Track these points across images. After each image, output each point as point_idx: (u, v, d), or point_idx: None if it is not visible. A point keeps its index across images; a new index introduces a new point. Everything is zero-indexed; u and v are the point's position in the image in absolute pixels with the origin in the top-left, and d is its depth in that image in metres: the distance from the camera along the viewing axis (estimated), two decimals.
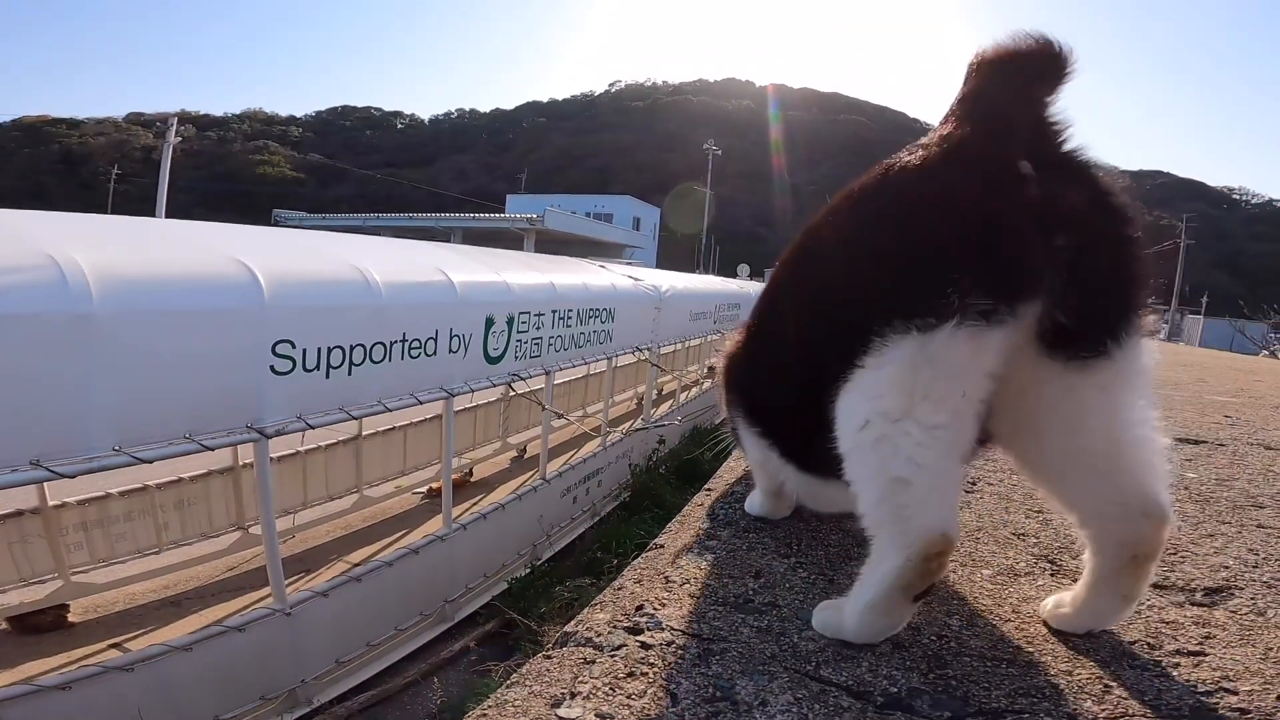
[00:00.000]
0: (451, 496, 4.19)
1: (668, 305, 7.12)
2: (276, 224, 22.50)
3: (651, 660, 0.83)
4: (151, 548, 4.47)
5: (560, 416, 5.54)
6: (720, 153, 48.35)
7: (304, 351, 3.02)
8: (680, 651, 0.85)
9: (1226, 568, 1.23)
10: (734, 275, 26.34)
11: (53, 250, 2.41)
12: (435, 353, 3.70)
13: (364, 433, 5.77)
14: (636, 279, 6.82)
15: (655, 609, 0.96)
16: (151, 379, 2.56)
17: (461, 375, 3.94)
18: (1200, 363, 8.34)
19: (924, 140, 0.83)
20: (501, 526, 4.60)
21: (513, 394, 6.29)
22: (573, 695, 0.75)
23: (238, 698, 2.82)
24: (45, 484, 3.85)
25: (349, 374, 3.23)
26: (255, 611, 2.93)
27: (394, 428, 6.05)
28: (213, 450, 2.76)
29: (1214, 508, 1.63)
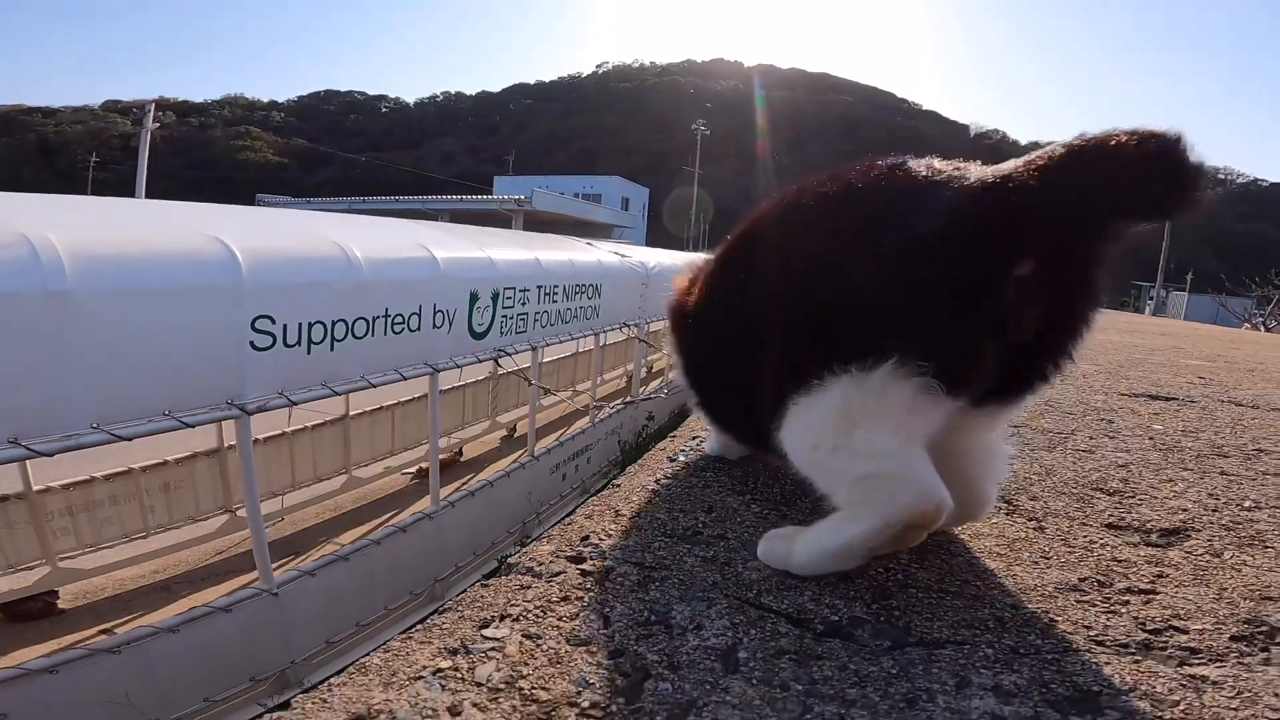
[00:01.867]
0: (439, 474, 4.18)
1: (655, 281, 7.10)
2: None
3: (589, 586, 0.83)
4: (139, 532, 4.45)
5: (548, 392, 5.53)
6: (709, 133, 48.04)
7: (284, 327, 2.99)
8: (620, 579, 0.85)
9: (1185, 510, 1.25)
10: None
11: (24, 228, 2.36)
12: (419, 328, 3.67)
13: (351, 412, 5.75)
14: (623, 255, 6.79)
15: (600, 540, 0.96)
16: (129, 356, 2.53)
17: (446, 350, 3.92)
18: (1179, 332, 8.43)
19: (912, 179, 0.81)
20: (490, 504, 4.61)
21: (501, 371, 6.28)
22: (502, 618, 0.75)
23: (227, 679, 2.82)
24: (29, 469, 3.83)
25: (331, 349, 3.20)
26: (242, 592, 2.92)
27: (381, 407, 6.03)
28: (193, 427, 2.73)
29: (1177, 456, 1.65)
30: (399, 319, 3.55)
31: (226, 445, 4.77)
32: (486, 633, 0.74)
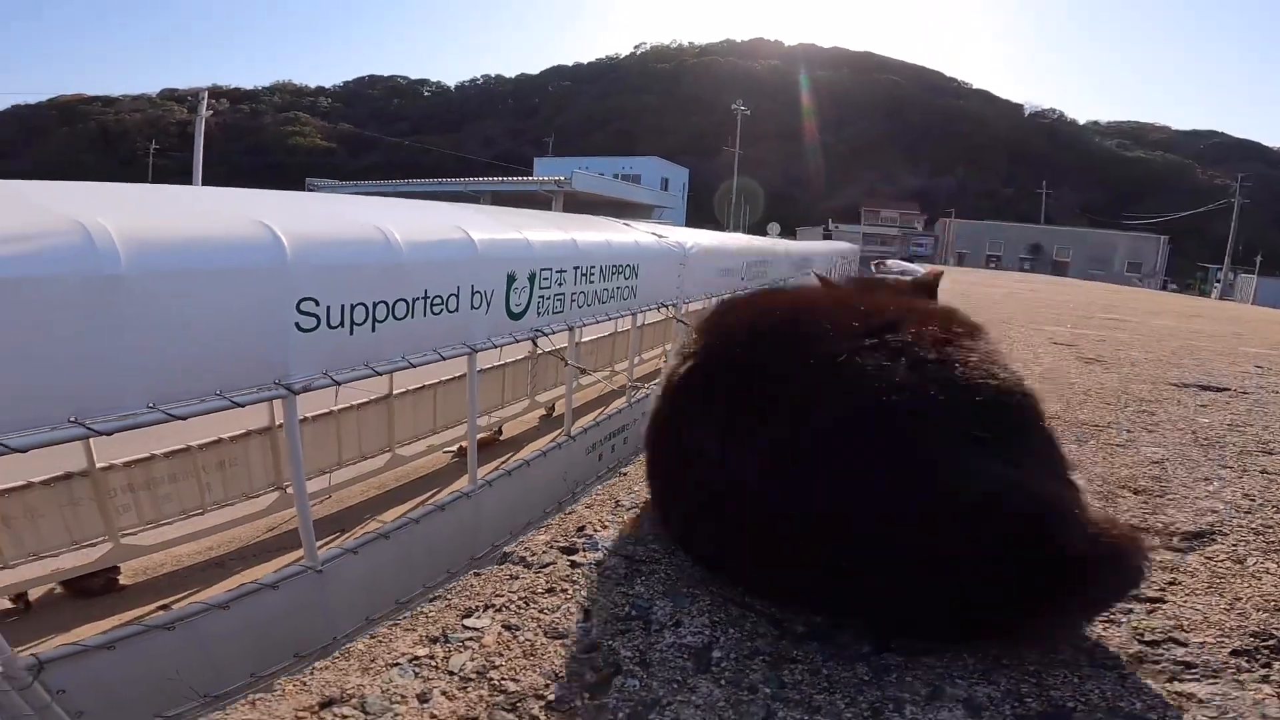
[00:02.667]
0: (477, 453, 4.24)
1: (693, 261, 7.02)
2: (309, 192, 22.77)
3: (575, 578, 0.83)
4: (195, 509, 4.64)
5: (584, 372, 5.55)
6: (749, 113, 47.25)
7: (328, 309, 3.04)
8: (608, 571, 0.84)
9: (1215, 512, 1.17)
10: (764, 234, 25.83)
11: (79, 215, 2.44)
12: (457, 309, 3.70)
13: (394, 391, 5.87)
14: (660, 236, 6.72)
15: (596, 530, 0.94)
16: (181, 338, 2.60)
17: (484, 331, 3.95)
18: (1244, 317, 7.95)
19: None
20: (526, 483, 4.66)
21: (539, 351, 6.31)
22: (486, 608, 0.75)
23: (273, 655, 2.92)
24: (92, 447, 4.02)
25: (372, 330, 3.26)
26: (289, 569, 3.01)
27: (424, 386, 6.14)
28: (243, 406, 2.81)
29: (1218, 452, 1.55)
30: (437, 300, 3.58)
31: (277, 424, 4.92)
32: (468, 622, 0.73)
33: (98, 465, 4.05)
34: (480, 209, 5.55)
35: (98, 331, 2.39)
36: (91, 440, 3.40)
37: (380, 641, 0.73)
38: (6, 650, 1.95)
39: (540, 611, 0.78)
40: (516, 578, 0.87)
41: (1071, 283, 23.86)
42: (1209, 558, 0.97)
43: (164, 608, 3.49)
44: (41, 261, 2.27)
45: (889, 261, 20.41)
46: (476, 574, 0.87)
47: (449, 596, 0.82)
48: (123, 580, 4.02)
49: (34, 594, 3.74)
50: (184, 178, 25.94)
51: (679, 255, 6.74)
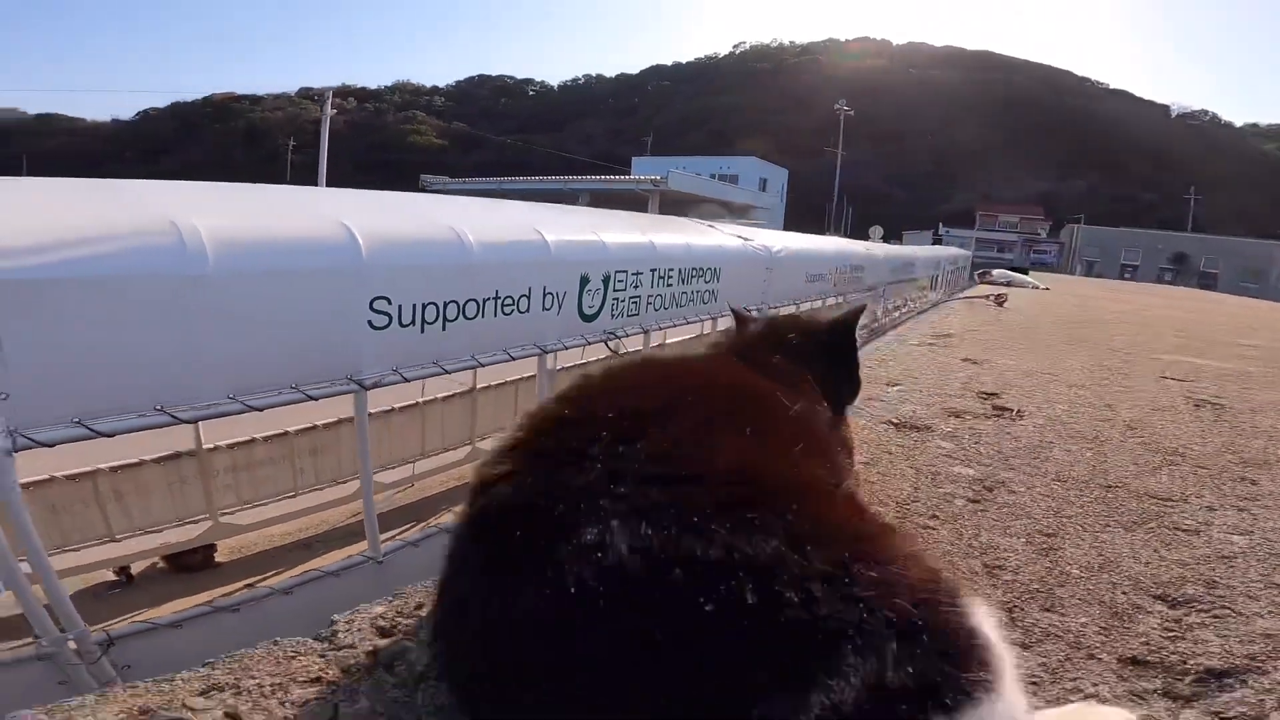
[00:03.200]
0: None
1: (780, 266, 6.75)
2: (422, 189, 24.04)
3: (355, 670, 0.83)
4: (288, 491, 4.93)
5: None
6: (852, 113, 45.71)
7: (399, 307, 3.10)
8: (403, 669, 0.82)
9: (1267, 638, 0.95)
10: (865, 237, 24.86)
11: (174, 216, 2.58)
12: (528, 310, 3.70)
13: (478, 386, 6.01)
14: (745, 239, 6.50)
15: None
16: (260, 334, 2.72)
17: (555, 332, 3.94)
18: None
19: None
20: None
21: (619, 354, 6.27)
22: (224, 689, 0.74)
23: None
24: (200, 429, 4.34)
25: (443, 329, 3.30)
26: (353, 558, 3.10)
27: (505, 382, 6.26)
28: (316, 400, 2.91)
29: None
30: (508, 300, 3.59)
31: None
32: (194, 701, 0.67)
33: (205, 446, 4.38)
34: (560, 209, 5.57)
35: (185, 326, 2.53)
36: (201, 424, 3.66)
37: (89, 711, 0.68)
38: (80, 624, 2.09)
39: (283, 704, 0.70)
40: (294, 658, 0.81)
41: (1216, 298, 21.31)
42: (1216, 713, 0.74)
43: (249, 587, 3.71)
44: (138, 260, 2.42)
45: (994, 272, 19.01)
46: (266, 650, 0.82)
47: (217, 667, 0.77)
48: (219, 558, 4.33)
49: (136, 568, 4.09)
50: (315, 173, 28.07)
51: (764, 259, 6.51)
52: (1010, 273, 18.78)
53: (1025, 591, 1.13)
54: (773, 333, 1.24)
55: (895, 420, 2.27)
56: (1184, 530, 1.39)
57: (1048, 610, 1.08)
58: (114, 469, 3.94)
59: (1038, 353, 4.20)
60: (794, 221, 37.23)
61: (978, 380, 3.12)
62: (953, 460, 1.89)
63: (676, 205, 25.59)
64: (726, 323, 6.97)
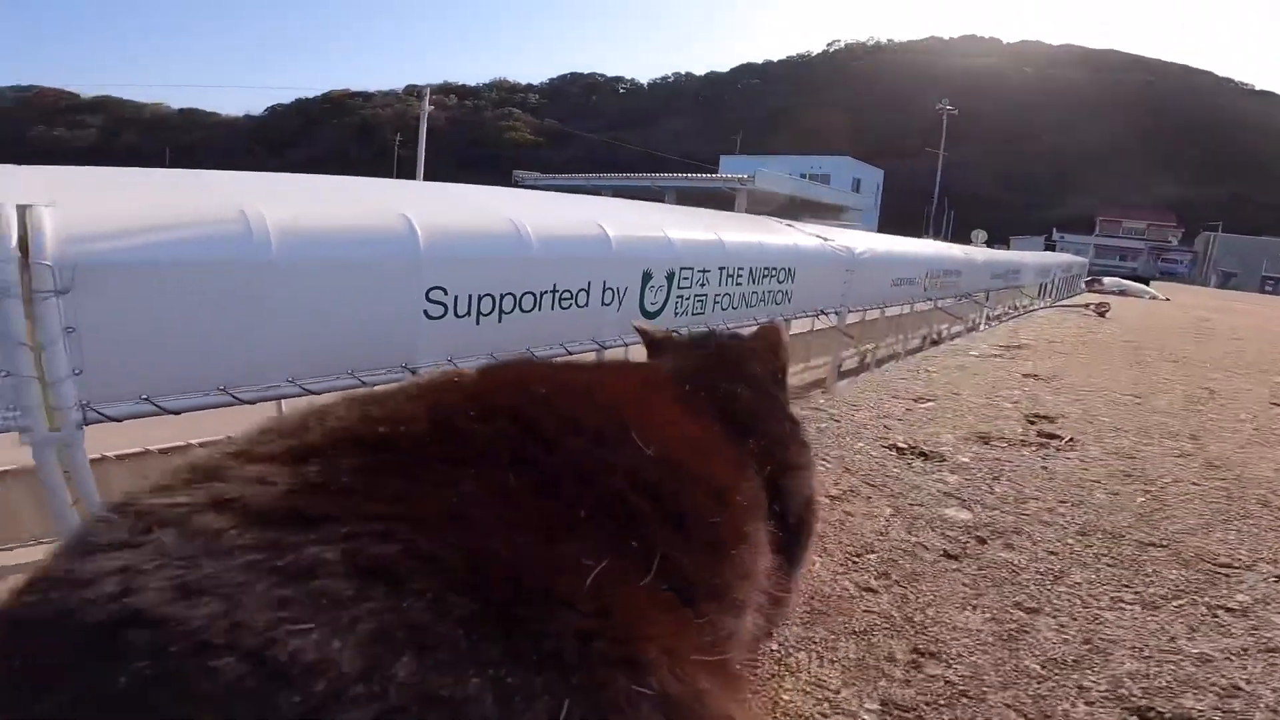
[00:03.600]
0: None
1: (862, 268, 6.40)
2: (515, 185, 24.75)
3: None
4: None
5: None
6: (956, 112, 43.41)
7: (455, 299, 3.11)
8: None
9: None
10: (967, 241, 23.52)
11: (245, 205, 2.68)
12: (587, 304, 3.64)
13: None
14: (825, 238, 6.20)
15: None
16: (318, 320, 2.79)
17: (615, 328, 3.86)
18: None
19: None
20: None
21: None
22: None
23: None
24: (283, 406, 4.56)
25: (499, 321, 3.29)
26: None
27: None
28: (371, 387, 2.95)
29: None
30: (566, 295, 3.55)
31: None
32: None
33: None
34: (626, 203, 5.47)
35: (248, 312, 2.62)
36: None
37: None
38: None
39: None
40: None
41: None
42: None
43: None
44: (207, 247, 2.52)
45: (1106, 279, 17.43)
46: None
47: None
48: None
49: None
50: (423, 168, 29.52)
51: (845, 260, 6.18)
52: (1125, 281, 17.20)
53: (940, 696, 0.91)
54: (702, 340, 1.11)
55: (902, 444, 2.02)
56: (1226, 611, 1.12)
57: None
58: (163, 450, 4.17)
59: (1123, 370, 3.72)
60: (890, 224, 35.78)
61: (1035, 400, 2.78)
62: (949, 500, 1.63)
63: (764, 204, 25.13)
64: (802, 325, 6.69)
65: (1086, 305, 8.58)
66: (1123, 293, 13.85)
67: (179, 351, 2.47)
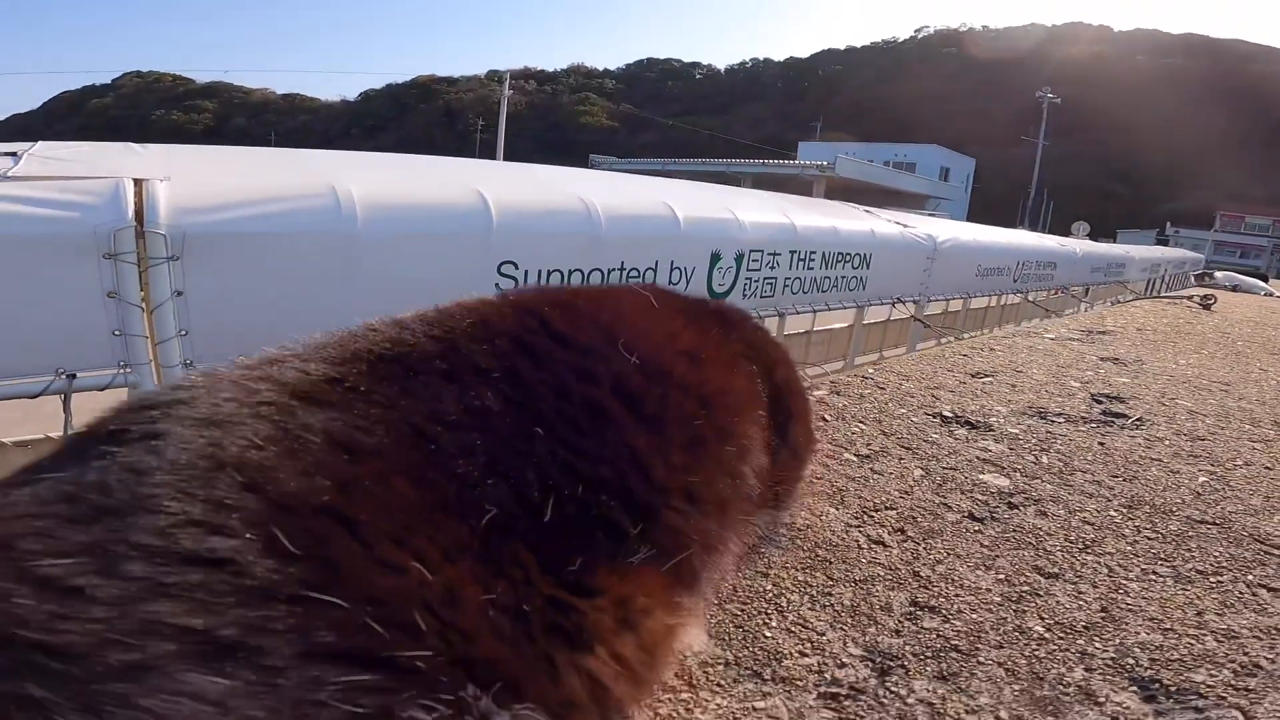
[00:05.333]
0: None
1: (945, 257, 6.14)
2: (591, 168, 24.99)
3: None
4: None
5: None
6: (1060, 101, 40.58)
7: (525, 273, 3.21)
8: None
9: None
10: (1067, 234, 22.07)
11: (334, 181, 2.85)
12: (654, 283, 3.67)
13: None
14: (905, 225, 5.98)
15: None
16: (399, 290, 2.93)
17: None
18: None
19: None
20: None
21: None
22: None
23: None
24: None
25: None
26: None
27: None
28: None
29: None
30: (634, 272, 3.59)
31: None
32: None
33: None
34: (696, 185, 5.44)
35: (334, 281, 2.79)
36: None
37: None
38: None
39: None
40: None
41: None
42: None
43: None
44: (299, 220, 2.70)
45: (1218, 274, 15.95)
46: None
47: None
48: None
49: None
50: (503, 150, 30.29)
51: (926, 248, 5.94)
52: (1240, 276, 15.71)
53: (929, 648, 0.87)
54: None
55: (948, 414, 1.91)
56: (1268, 590, 1.02)
57: (939, 679, 0.82)
58: None
59: (1216, 359, 3.39)
60: (982, 215, 34.00)
61: (1107, 382, 2.56)
62: (987, 467, 1.54)
63: (845, 192, 24.40)
64: (879, 312, 6.47)
65: (1191, 297, 7.90)
66: (1235, 288, 12.67)
67: (271, 315, 2.66)
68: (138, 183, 2.50)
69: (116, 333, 2.40)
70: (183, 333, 2.47)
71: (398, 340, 0.75)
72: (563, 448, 0.69)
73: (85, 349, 2.39)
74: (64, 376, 2.37)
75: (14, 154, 2.75)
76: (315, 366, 0.66)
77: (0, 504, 0.48)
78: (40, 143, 3.06)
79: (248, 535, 0.47)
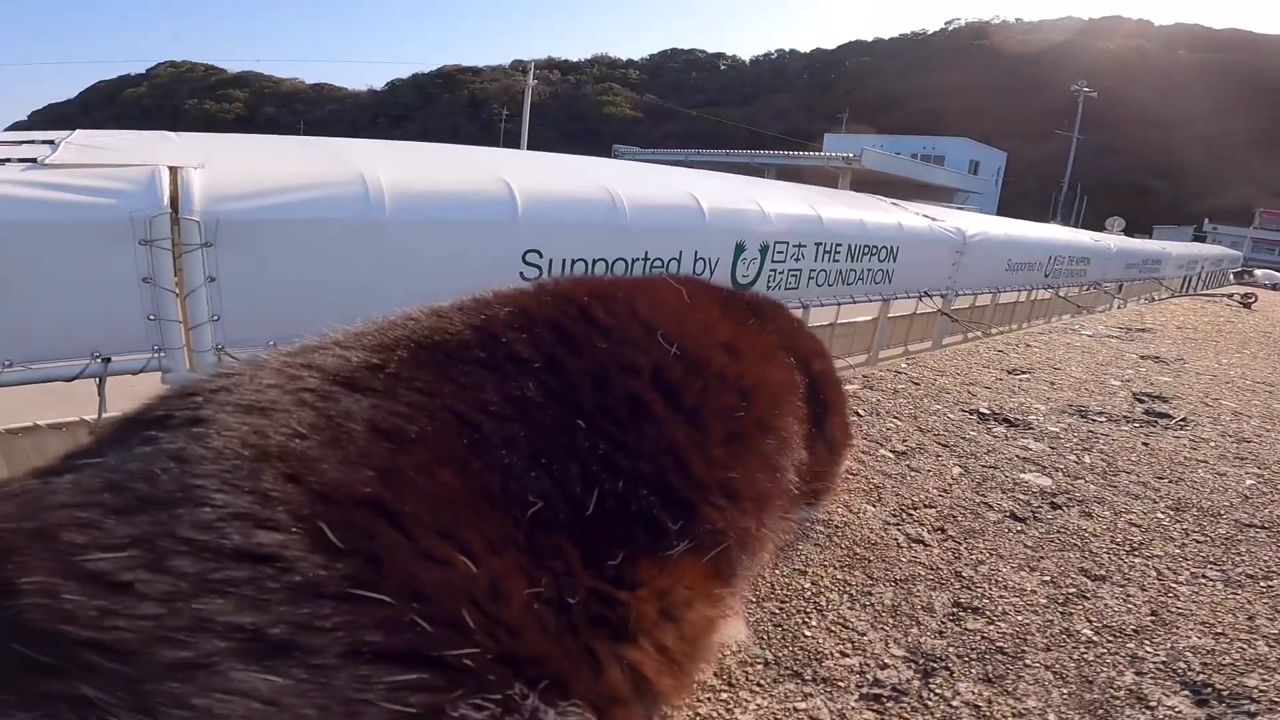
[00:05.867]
0: None
1: (974, 251, 6.03)
2: (614, 158, 24.93)
3: None
4: None
5: None
6: (1095, 95, 39.59)
7: (550, 261, 3.21)
8: None
9: None
10: (1100, 229, 21.57)
11: (363, 169, 2.86)
12: (678, 273, 3.66)
13: None
14: (934, 219, 5.87)
15: None
16: (425, 277, 2.95)
17: None
18: None
19: None
20: None
21: None
22: None
23: None
24: None
25: None
26: None
27: None
28: None
29: None
30: (658, 262, 3.58)
31: None
32: None
33: None
34: (721, 176, 5.39)
35: (363, 266, 2.81)
36: None
37: None
38: None
39: None
40: None
41: None
42: None
43: None
44: (329, 207, 2.72)
45: (1259, 272, 15.45)
46: None
47: None
48: None
49: None
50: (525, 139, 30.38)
51: (955, 242, 5.83)
52: (1276, 274, 15.22)
53: (974, 650, 0.84)
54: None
55: (985, 410, 1.86)
56: None
57: (984, 681, 0.80)
58: None
59: (1259, 358, 3.27)
60: (1013, 209, 33.35)
61: (1149, 380, 2.48)
62: (1028, 466, 1.50)
63: (871, 185, 24.08)
64: (904, 306, 6.38)
65: (1230, 295, 7.66)
66: (1276, 286, 12.27)
67: (301, 301, 2.69)
68: (173, 170, 2.54)
69: (151, 317, 2.44)
70: (215, 318, 2.51)
71: (437, 329, 0.74)
72: (604, 440, 0.68)
73: (120, 333, 2.44)
74: (99, 360, 2.42)
75: (52, 142, 2.80)
76: (356, 354, 0.66)
77: (42, 492, 0.47)
78: (77, 131, 3.11)
79: (293, 530, 0.46)
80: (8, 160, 2.43)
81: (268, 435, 0.52)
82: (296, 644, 0.42)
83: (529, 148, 24.34)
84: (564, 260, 3.23)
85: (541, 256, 3.16)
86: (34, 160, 2.43)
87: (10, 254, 2.21)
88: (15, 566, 0.41)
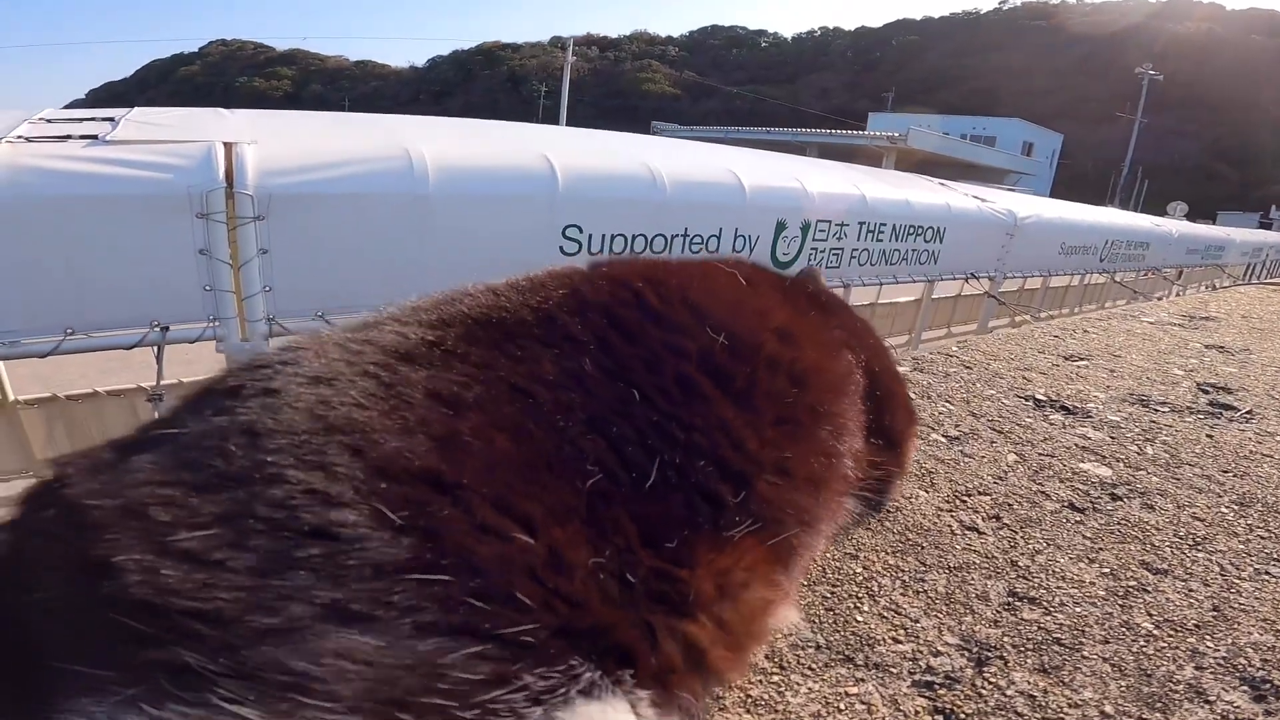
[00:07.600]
0: None
1: (1025, 233, 5.83)
2: (652, 135, 24.71)
3: None
4: None
5: None
6: (1161, 78, 37.64)
7: (590, 236, 3.22)
8: None
9: None
10: (1162, 214, 20.62)
11: (408, 144, 2.89)
12: (718, 250, 3.65)
13: None
14: (983, 200, 5.68)
15: None
16: (468, 250, 2.98)
17: None
18: None
19: None
20: None
21: None
22: None
23: None
24: None
25: None
26: None
27: None
28: None
29: None
30: (697, 239, 3.55)
31: None
32: None
33: None
34: (763, 154, 5.29)
35: (408, 239, 2.85)
36: None
37: None
38: None
39: None
40: None
41: None
42: None
43: None
44: (375, 181, 2.76)
45: None
46: None
47: None
48: None
49: None
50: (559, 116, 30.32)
51: (1005, 224, 5.64)
52: None
53: (1030, 640, 0.81)
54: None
55: (1041, 397, 1.79)
56: None
57: (1040, 671, 0.77)
58: None
59: None
60: (1068, 192, 32.06)
61: (1213, 371, 2.36)
62: (1087, 455, 1.43)
63: (917, 165, 23.39)
64: (949, 287, 6.20)
65: None
66: None
67: (348, 273, 2.74)
68: (227, 146, 2.60)
69: (206, 288, 2.52)
70: (266, 289, 2.58)
71: (494, 306, 0.75)
72: (658, 414, 0.68)
73: (177, 303, 2.52)
74: (158, 329, 2.50)
75: (112, 119, 2.89)
76: (414, 330, 0.67)
77: (124, 468, 0.49)
78: (136, 108, 3.20)
79: (359, 507, 0.48)
80: (70, 137, 2.52)
81: (332, 404, 0.55)
82: (374, 617, 0.44)
83: (567, 124, 24.25)
84: (603, 235, 3.23)
85: (581, 231, 3.16)
86: (95, 137, 2.51)
87: (73, 226, 2.29)
88: (109, 545, 0.43)
